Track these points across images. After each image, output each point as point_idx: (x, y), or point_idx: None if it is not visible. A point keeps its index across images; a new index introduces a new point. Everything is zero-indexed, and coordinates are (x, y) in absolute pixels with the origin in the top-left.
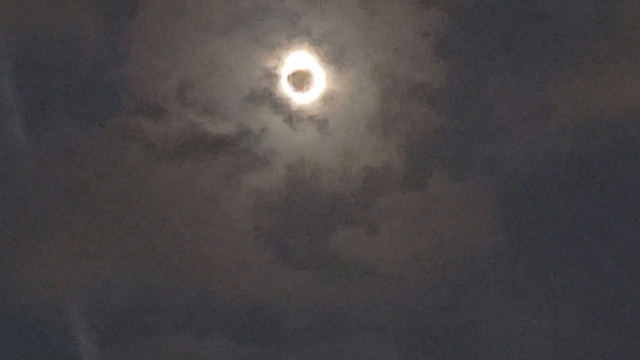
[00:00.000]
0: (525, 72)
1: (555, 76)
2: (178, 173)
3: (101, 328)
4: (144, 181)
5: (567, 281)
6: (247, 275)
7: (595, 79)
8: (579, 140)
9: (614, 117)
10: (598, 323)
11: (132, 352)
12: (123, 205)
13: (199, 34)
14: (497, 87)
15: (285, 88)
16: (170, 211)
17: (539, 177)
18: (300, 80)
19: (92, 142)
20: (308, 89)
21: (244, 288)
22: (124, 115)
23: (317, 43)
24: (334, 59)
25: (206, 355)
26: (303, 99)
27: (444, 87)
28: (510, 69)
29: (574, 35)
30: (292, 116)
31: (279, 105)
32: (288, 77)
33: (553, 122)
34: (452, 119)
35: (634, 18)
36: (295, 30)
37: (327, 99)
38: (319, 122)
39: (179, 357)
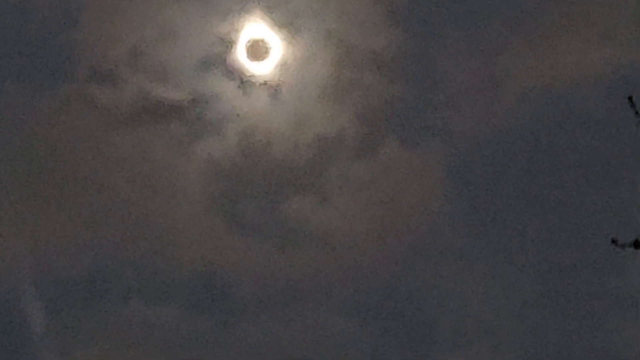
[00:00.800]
0: (477, 42)
1: (507, 46)
2: (130, 140)
3: (51, 295)
4: (95, 148)
5: (517, 247)
6: (199, 243)
7: (546, 50)
8: (529, 109)
9: (564, 86)
10: (547, 287)
11: (83, 319)
12: (74, 172)
13: None
14: (449, 56)
15: (238, 55)
16: (122, 178)
17: (489, 145)
18: (253, 47)
19: (43, 109)
20: (261, 56)
21: (195, 256)
22: (75, 82)
23: (270, 10)
24: (287, 25)
25: (157, 322)
26: (256, 66)
27: (397, 55)
28: (463, 38)
29: (526, 6)
30: (245, 83)
31: (231, 72)
32: (241, 44)
33: (504, 91)
34: (405, 87)
35: None
36: None
37: (280, 66)
38: (271, 89)
39: (131, 324)
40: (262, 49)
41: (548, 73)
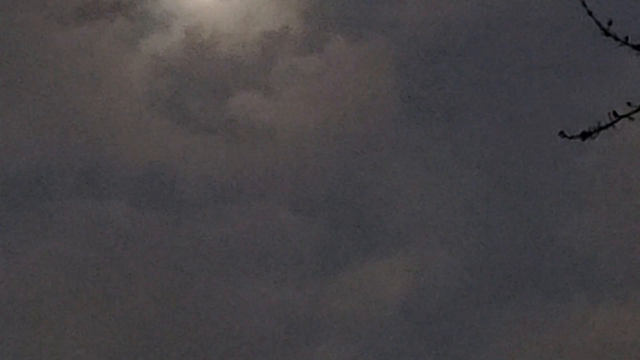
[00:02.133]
0: None
1: None
2: (75, 37)
3: None
4: (40, 45)
5: (465, 140)
6: (145, 139)
7: None
8: (475, 3)
9: None
10: (495, 180)
11: (27, 217)
12: (17, 69)
13: None
14: None
15: None
16: (66, 75)
17: (436, 40)
18: None
19: None
20: None
21: (141, 152)
22: None
23: None
24: None
25: (104, 218)
26: None
27: None
28: None
29: None
30: None
31: None
32: None
33: None
34: None
35: None
36: None
37: None
38: None
39: (77, 221)
40: None
41: None
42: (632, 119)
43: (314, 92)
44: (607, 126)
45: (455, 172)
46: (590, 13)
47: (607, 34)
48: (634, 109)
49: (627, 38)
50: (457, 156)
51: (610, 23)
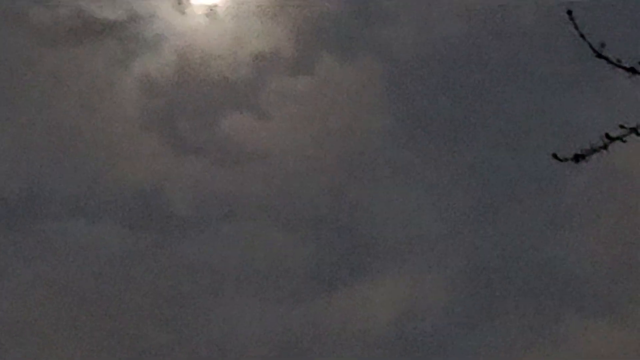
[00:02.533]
0: None
1: None
2: (65, 59)
3: None
4: (30, 67)
5: (456, 160)
6: (136, 161)
7: None
8: (467, 23)
9: None
10: (485, 205)
11: (19, 239)
12: (8, 90)
13: None
14: None
15: None
16: (58, 97)
17: (428, 59)
18: None
19: None
20: None
21: (133, 173)
22: (7, 0)
23: None
24: None
25: (96, 241)
26: None
27: None
28: None
29: None
30: (181, 1)
31: None
32: None
33: (442, 3)
34: (341, 1)
35: None
36: None
37: None
38: (208, 6)
39: (69, 242)
40: None
41: None
42: (624, 141)
43: (305, 112)
44: (599, 149)
45: (446, 192)
46: (582, 36)
47: (599, 55)
48: (627, 131)
49: (619, 60)
50: (448, 176)
51: (603, 45)
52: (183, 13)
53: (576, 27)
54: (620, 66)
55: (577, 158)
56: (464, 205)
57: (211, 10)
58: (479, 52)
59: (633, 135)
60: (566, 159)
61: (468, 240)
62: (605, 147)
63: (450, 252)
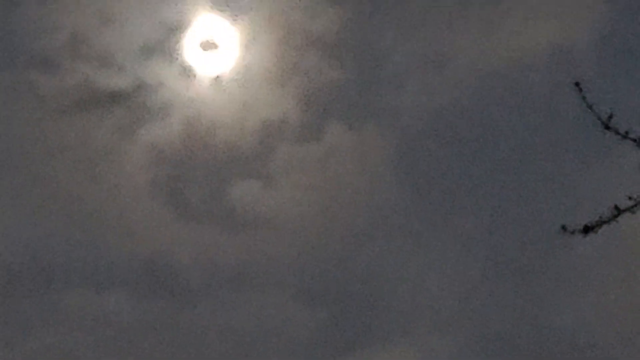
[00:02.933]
0: (420, 22)
1: (450, 25)
2: (72, 128)
3: None
4: (37, 136)
5: (466, 228)
6: (144, 230)
7: (489, 29)
8: (474, 88)
9: (508, 65)
10: (492, 269)
11: (29, 308)
12: (18, 160)
13: None
14: (391, 37)
15: (180, 40)
16: (66, 165)
17: (435, 126)
18: (196, 32)
19: None
20: (205, 41)
21: (142, 242)
22: (16, 70)
23: None
24: (229, 9)
25: (105, 311)
26: (198, 51)
27: (339, 38)
28: (405, 18)
29: None
30: (187, 69)
31: (174, 58)
32: (183, 30)
33: (448, 71)
34: (347, 70)
35: None
36: None
37: (224, 51)
38: (215, 74)
39: (78, 312)
40: (205, 34)
41: (491, 52)
42: (633, 212)
43: (313, 180)
44: (609, 220)
45: (455, 260)
46: (590, 107)
47: (607, 127)
48: (635, 202)
49: (627, 132)
50: (456, 244)
51: (610, 117)
52: (190, 81)
53: (584, 99)
54: (627, 138)
55: (587, 230)
56: (472, 273)
57: (218, 78)
58: (486, 120)
59: None
60: (575, 231)
61: (477, 307)
62: (614, 218)
63: (459, 319)
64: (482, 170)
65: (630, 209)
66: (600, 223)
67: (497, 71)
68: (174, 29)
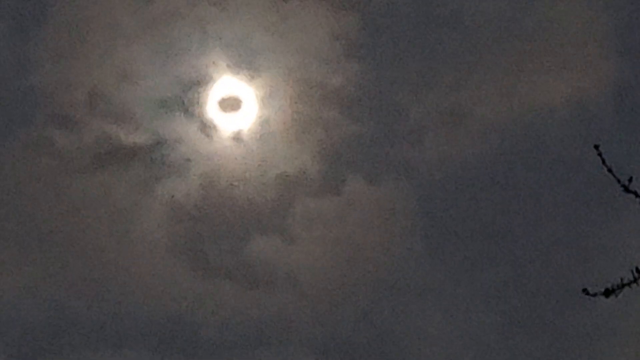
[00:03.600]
0: (438, 75)
1: (468, 78)
2: (91, 185)
3: (10, 345)
4: (56, 194)
5: (485, 285)
6: (163, 287)
7: (507, 81)
8: (493, 143)
9: (528, 118)
10: (516, 326)
11: None
12: (34, 218)
13: (108, 41)
14: (409, 90)
15: (198, 95)
16: (84, 223)
17: (454, 180)
18: (214, 88)
19: (1, 155)
20: (223, 97)
21: (160, 300)
22: (33, 127)
23: (229, 48)
24: (247, 64)
25: None
26: (216, 107)
27: (356, 91)
28: (423, 71)
29: (486, 37)
30: (205, 124)
31: (192, 114)
32: (200, 86)
33: (467, 125)
34: (366, 123)
35: (547, 18)
36: (206, 36)
37: (241, 105)
38: (232, 129)
39: None
40: (223, 89)
41: (510, 105)
42: None
43: (333, 235)
44: (630, 283)
45: (477, 316)
46: (610, 170)
47: (627, 190)
48: None
49: None
50: (477, 299)
51: (630, 180)
52: (208, 136)
53: (604, 162)
54: None
55: (608, 293)
56: (495, 329)
57: (236, 134)
58: (506, 174)
59: None
60: (596, 294)
61: None
62: (635, 281)
63: None
64: (502, 225)
65: None
66: (622, 286)
67: (516, 124)
68: (192, 85)
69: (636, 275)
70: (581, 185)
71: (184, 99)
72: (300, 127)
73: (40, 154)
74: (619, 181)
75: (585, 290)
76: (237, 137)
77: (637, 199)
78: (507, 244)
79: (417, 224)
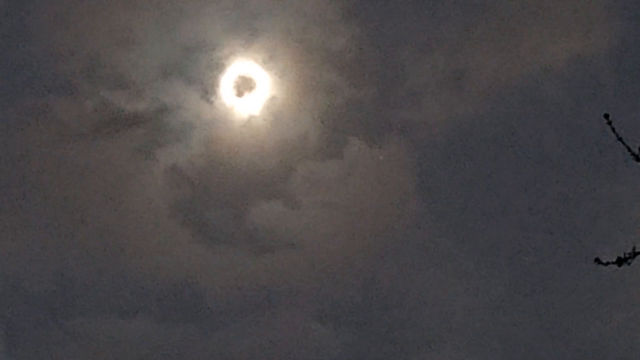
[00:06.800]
0: (437, 38)
1: (468, 41)
2: (93, 150)
3: (15, 312)
4: (58, 160)
5: (488, 244)
6: (167, 253)
7: (507, 44)
8: (494, 104)
9: (526, 80)
10: (518, 285)
11: (50, 335)
12: (37, 185)
13: (107, 7)
14: (409, 54)
15: (199, 61)
16: (86, 189)
17: (455, 142)
18: (213, 52)
19: (2, 123)
20: (223, 61)
21: (164, 266)
22: (34, 95)
23: (228, 12)
24: (246, 28)
25: (130, 335)
26: (218, 72)
27: (356, 54)
28: (422, 34)
29: (485, 1)
30: (207, 90)
31: (193, 80)
32: (202, 51)
33: (467, 87)
34: (366, 86)
35: None
36: (204, 0)
37: (241, 71)
38: (234, 94)
39: (103, 338)
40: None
41: (509, 67)
42: None
43: (334, 198)
44: None
45: (479, 275)
46: (620, 139)
47: (638, 159)
48: None
49: None
50: (481, 259)
51: None
52: (209, 102)
53: (614, 131)
54: None
55: (620, 262)
56: (498, 289)
57: (237, 97)
58: (507, 133)
59: None
60: (609, 263)
61: (503, 324)
62: None
63: (485, 336)
64: (503, 184)
65: None
66: (634, 254)
67: (516, 84)
68: (192, 50)
69: None
70: (583, 146)
71: (185, 64)
72: (301, 91)
73: (41, 122)
74: (629, 149)
75: (597, 260)
76: (237, 102)
77: None
78: (508, 204)
79: (419, 186)
